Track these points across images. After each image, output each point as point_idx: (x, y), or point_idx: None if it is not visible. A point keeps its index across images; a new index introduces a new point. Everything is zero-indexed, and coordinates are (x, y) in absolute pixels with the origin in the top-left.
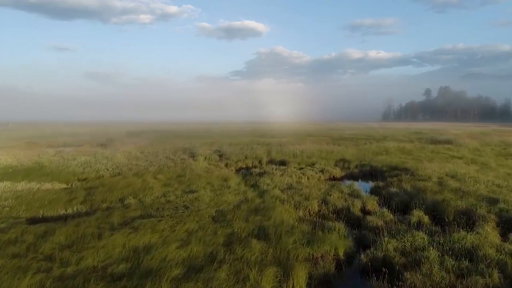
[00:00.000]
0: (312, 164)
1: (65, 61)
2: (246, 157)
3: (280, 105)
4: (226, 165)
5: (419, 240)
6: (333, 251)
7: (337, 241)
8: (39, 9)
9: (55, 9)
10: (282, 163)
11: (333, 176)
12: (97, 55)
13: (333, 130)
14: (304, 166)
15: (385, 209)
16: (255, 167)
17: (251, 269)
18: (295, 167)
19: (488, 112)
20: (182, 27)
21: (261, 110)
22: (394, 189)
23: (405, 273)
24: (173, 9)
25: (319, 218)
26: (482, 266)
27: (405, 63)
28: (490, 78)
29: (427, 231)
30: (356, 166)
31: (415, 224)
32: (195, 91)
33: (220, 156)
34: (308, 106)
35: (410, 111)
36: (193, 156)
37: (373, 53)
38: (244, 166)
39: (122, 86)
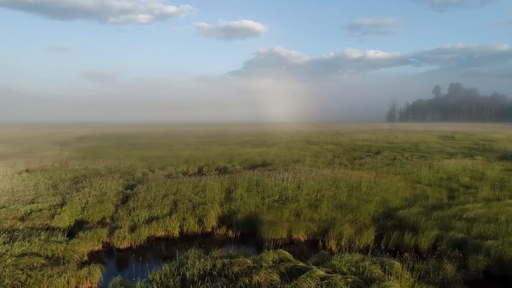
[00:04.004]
0: (323, 233)
1: (64, 61)
2: (176, 206)
3: (280, 105)
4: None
5: None
6: None
7: None
8: (36, 9)
9: (53, 9)
10: (249, 231)
11: None
12: (97, 55)
13: (340, 134)
14: (302, 257)
15: None
16: (179, 240)
17: None
18: (275, 259)
19: (504, 111)
20: (181, 27)
21: (260, 110)
22: None
23: None
24: (171, 9)
25: None
26: None
27: (404, 62)
28: (492, 78)
29: None
30: (434, 248)
31: None
32: (194, 91)
33: (126, 200)
34: (308, 106)
35: (419, 111)
36: (67, 199)
37: (371, 53)
38: (152, 234)
39: (123, 86)
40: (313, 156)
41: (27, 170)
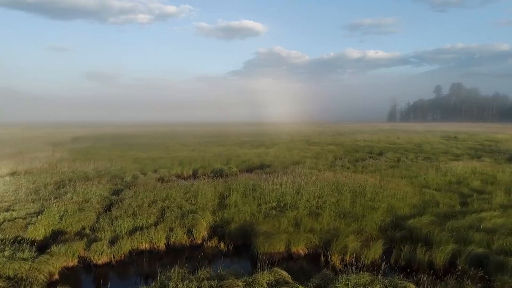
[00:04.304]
0: (325, 246)
1: (64, 61)
2: (163, 214)
3: (280, 105)
4: None
5: None
6: None
7: None
8: (36, 9)
9: (53, 9)
10: (243, 243)
11: None
12: (97, 55)
13: (340, 134)
14: (302, 278)
15: None
16: (164, 254)
17: None
18: (270, 282)
19: (506, 111)
20: (181, 27)
21: (260, 110)
22: None
23: None
24: (171, 9)
25: None
26: None
27: (404, 62)
28: (491, 78)
29: None
30: (451, 265)
31: None
32: (194, 91)
33: (110, 207)
34: (308, 106)
35: (420, 110)
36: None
37: (372, 53)
38: (135, 247)
39: (123, 86)
40: (314, 157)
41: (12, 173)
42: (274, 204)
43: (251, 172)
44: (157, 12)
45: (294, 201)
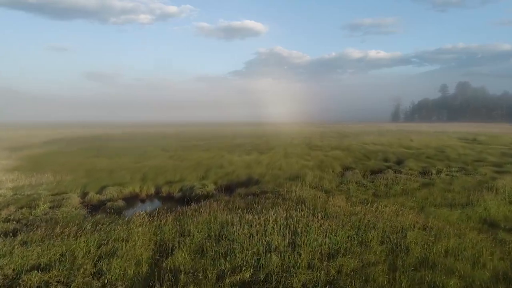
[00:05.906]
0: None
1: (64, 61)
2: None
3: (280, 105)
4: None
5: None
6: None
7: None
8: (36, 9)
9: (53, 9)
10: None
11: None
12: (97, 55)
13: (344, 135)
14: None
15: None
16: None
17: None
18: None
19: None
20: (181, 27)
21: (261, 110)
22: None
23: None
24: (172, 9)
25: None
26: None
27: (406, 62)
28: (492, 77)
29: None
30: None
31: None
32: (194, 91)
33: None
34: (308, 106)
35: (425, 110)
36: None
37: (373, 53)
38: None
39: (123, 86)
40: (316, 167)
41: None
42: (247, 275)
43: (231, 192)
44: (158, 12)
45: (286, 267)
